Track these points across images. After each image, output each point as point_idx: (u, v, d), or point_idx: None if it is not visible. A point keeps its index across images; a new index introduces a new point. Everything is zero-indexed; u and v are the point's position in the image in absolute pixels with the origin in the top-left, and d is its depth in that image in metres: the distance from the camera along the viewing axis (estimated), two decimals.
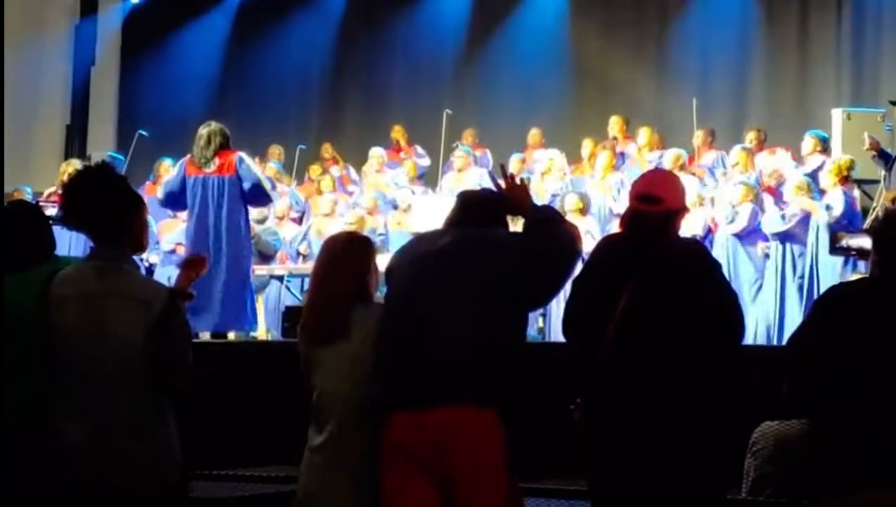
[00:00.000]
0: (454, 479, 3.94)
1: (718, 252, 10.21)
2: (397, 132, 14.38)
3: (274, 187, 9.90)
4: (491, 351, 4.02)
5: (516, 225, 4.55)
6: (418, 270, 4.18)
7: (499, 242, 4.22)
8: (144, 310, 3.97)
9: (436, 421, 3.94)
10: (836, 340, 3.83)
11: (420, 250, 4.29)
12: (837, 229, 9.41)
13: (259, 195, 9.25)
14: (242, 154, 9.24)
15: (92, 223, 4.13)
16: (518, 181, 4.45)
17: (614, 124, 13.12)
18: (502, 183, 4.45)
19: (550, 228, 4.27)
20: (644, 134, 12.73)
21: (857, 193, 10.62)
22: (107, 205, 4.09)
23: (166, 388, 4.02)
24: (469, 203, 4.40)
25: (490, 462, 3.96)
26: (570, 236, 4.29)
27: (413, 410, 3.97)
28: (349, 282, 4.26)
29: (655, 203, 4.20)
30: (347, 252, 4.34)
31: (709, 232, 10.68)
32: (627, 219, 4.31)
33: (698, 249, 4.41)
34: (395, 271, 4.30)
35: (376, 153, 13.66)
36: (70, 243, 8.88)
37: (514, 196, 4.39)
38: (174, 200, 9.45)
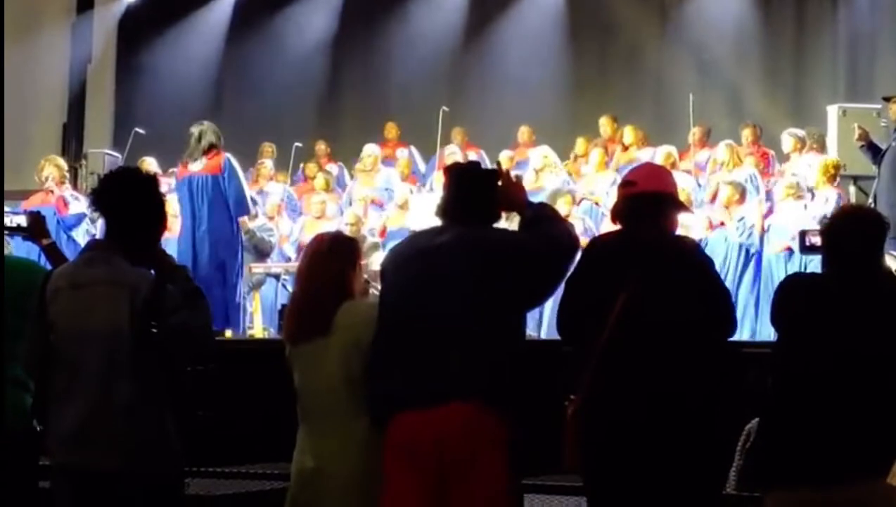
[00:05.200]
0: (454, 474, 3.95)
1: (716, 253, 10.22)
2: (390, 130, 14.30)
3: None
4: (492, 349, 4.03)
5: (511, 222, 4.56)
6: (417, 268, 4.18)
7: (498, 240, 4.23)
8: (131, 295, 4.02)
9: (440, 418, 3.96)
10: (786, 335, 3.99)
11: (417, 248, 4.29)
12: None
13: (239, 205, 9.28)
14: (231, 158, 9.23)
15: (117, 220, 4.19)
16: (514, 178, 4.47)
17: (605, 125, 13.09)
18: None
19: (549, 226, 4.29)
20: (629, 133, 12.68)
21: (852, 189, 10.65)
22: (140, 213, 4.17)
23: (166, 368, 4.05)
24: (463, 187, 4.35)
25: (491, 459, 3.97)
26: (568, 235, 4.33)
27: (418, 408, 3.99)
28: (331, 279, 4.28)
29: (629, 186, 4.37)
30: (330, 250, 4.37)
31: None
32: (616, 206, 4.42)
33: (691, 247, 4.44)
34: (391, 268, 4.30)
35: (371, 151, 13.47)
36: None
37: (509, 192, 4.40)
38: None
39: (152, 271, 4.15)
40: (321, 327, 4.23)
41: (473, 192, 4.33)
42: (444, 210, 4.34)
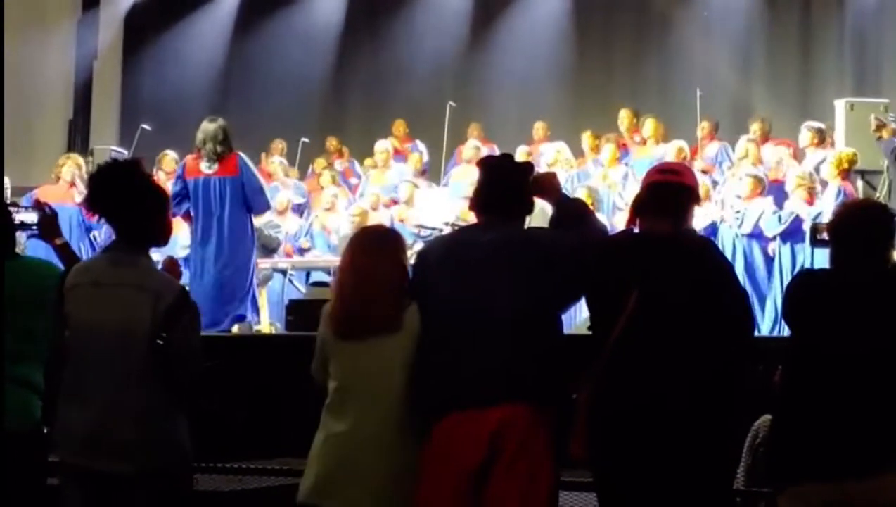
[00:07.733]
0: (495, 473, 3.97)
1: (726, 248, 10.17)
2: (398, 127, 14.28)
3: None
4: (539, 350, 4.07)
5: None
6: (462, 272, 4.15)
7: (543, 242, 4.24)
8: (153, 301, 4.00)
9: (492, 420, 3.98)
10: (797, 331, 4.00)
11: (460, 251, 4.24)
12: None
13: (260, 202, 9.23)
14: (244, 156, 9.19)
15: (116, 217, 4.18)
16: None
17: (624, 118, 13.04)
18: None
19: (586, 226, 4.34)
20: (650, 126, 12.60)
21: (860, 183, 10.60)
22: (132, 202, 4.12)
23: (170, 380, 4.03)
24: (499, 179, 4.32)
25: (539, 459, 4.01)
26: (602, 235, 4.40)
27: (469, 410, 4.01)
28: (397, 277, 4.16)
29: (674, 173, 4.32)
30: (391, 245, 4.25)
31: (714, 228, 10.52)
32: (645, 193, 4.30)
33: (708, 248, 4.40)
34: (434, 271, 4.23)
35: (383, 147, 13.45)
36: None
37: (544, 181, 4.44)
38: (178, 205, 9.39)
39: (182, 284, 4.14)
40: (388, 324, 4.11)
41: (509, 185, 4.31)
42: (481, 203, 4.32)
